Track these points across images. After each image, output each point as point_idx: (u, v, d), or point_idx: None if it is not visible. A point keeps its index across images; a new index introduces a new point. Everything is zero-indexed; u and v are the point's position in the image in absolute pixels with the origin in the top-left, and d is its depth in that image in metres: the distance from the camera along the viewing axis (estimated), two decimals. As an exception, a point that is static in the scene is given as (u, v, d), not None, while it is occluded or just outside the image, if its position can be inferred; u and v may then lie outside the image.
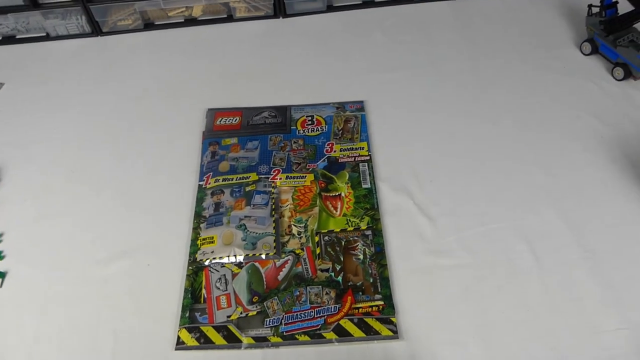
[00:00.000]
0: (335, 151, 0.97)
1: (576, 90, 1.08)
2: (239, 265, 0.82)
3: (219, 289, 0.80)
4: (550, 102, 1.06)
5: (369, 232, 0.86)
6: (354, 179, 0.93)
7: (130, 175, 0.96)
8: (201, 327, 0.76)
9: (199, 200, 0.91)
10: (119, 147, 1.01)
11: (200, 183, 0.93)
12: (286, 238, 0.86)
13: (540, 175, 0.94)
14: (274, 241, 0.84)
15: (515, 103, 1.06)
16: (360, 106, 1.05)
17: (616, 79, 1.09)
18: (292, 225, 0.87)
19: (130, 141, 1.02)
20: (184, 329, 0.76)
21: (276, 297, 0.78)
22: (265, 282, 0.80)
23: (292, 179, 0.93)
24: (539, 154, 0.97)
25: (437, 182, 0.93)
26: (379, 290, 0.79)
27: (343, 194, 0.91)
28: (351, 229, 0.86)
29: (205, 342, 0.74)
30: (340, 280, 0.80)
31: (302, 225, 0.87)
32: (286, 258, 0.83)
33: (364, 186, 0.92)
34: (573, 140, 0.99)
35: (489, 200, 0.90)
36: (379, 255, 0.83)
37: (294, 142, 0.99)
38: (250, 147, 0.98)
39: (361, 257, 0.83)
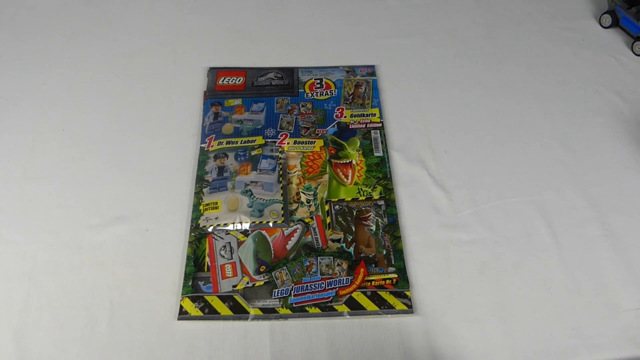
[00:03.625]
0: (345, 117, 0.92)
1: (595, 64, 1.04)
2: (245, 232, 0.77)
3: (223, 257, 0.75)
4: (568, 75, 1.02)
5: (381, 202, 0.82)
6: (366, 146, 0.88)
7: (125, 136, 0.90)
8: (205, 297, 0.71)
9: (201, 163, 0.85)
10: (113, 106, 0.94)
11: (202, 145, 0.87)
12: (294, 206, 0.81)
13: (558, 149, 0.90)
14: (282, 209, 0.79)
15: (532, 74, 1.02)
16: (371, 71, 1.00)
17: (636, 54, 1.05)
18: (301, 193, 0.82)
19: (125, 100, 0.95)
20: (187, 298, 0.71)
21: (285, 267, 0.74)
22: (272, 251, 0.76)
23: (300, 144, 0.87)
24: (557, 127, 0.93)
25: (453, 153, 0.89)
26: (393, 262, 0.75)
27: (354, 162, 0.86)
28: (363, 198, 0.82)
29: (210, 312, 0.70)
30: (352, 252, 0.76)
31: (311, 193, 0.82)
32: (295, 227, 0.78)
33: (376, 154, 0.87)
34: (592, 115, 0.95)
35: (506, 174, 0.87)
36: (393, 226, 0.79)
37: (302, 106, 0.93)
38: (256, 109, 0.92)
39: (373, 227, 0.79)
